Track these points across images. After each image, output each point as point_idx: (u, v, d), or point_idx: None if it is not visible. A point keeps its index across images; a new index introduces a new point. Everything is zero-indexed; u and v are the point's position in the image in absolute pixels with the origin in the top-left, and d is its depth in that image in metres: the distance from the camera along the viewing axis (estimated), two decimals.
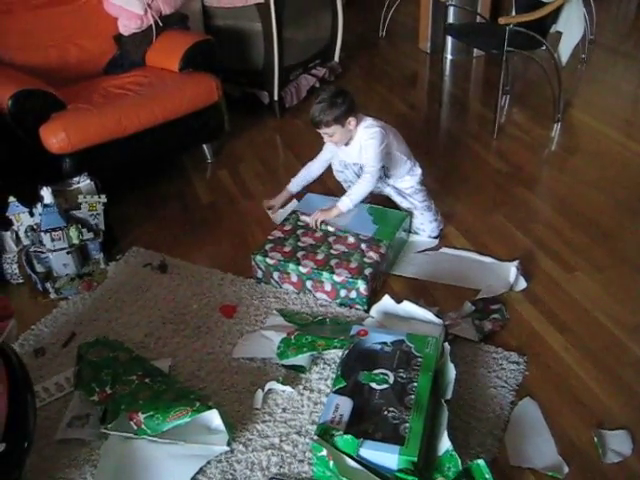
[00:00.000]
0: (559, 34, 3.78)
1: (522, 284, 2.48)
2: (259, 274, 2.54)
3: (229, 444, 1.84)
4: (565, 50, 3.74)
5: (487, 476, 1.64)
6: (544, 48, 3.67)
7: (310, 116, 2.58)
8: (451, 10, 4.56)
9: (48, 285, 2.55)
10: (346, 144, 2.69)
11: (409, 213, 2.78)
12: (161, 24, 3.49)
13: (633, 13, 6.29)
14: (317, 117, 2.55)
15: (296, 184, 2.90)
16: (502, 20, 3.44)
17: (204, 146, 3.55)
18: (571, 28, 3.69)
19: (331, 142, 2.67)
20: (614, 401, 1.98)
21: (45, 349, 2.28)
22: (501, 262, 2.60)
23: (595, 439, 1.85)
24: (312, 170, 2.88)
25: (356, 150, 2.68)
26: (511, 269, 2.50)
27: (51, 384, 2.11)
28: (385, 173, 2.76)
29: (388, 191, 2.86)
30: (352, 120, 2.57)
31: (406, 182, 2.79)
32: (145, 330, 2.34)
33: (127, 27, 3.45)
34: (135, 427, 1.84)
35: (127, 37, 3.48)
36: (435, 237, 2.81)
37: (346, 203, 2.64)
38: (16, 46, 3.19)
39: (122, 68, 3.44)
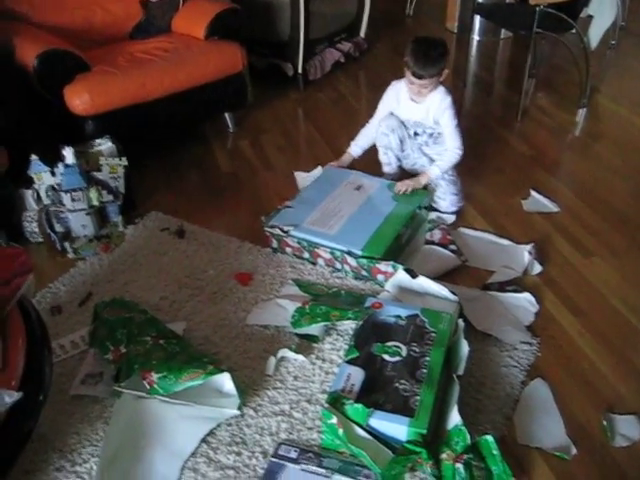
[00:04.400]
0: (590, 18, 3.73)
1: (537, 268, 2.46)
2: (274, 244, 2.55)
3: (240, 408, 1.86)
4: (595, 35, 3.69)
5: (495, 452, 1.65)
6: (574, 31, 3.63)
7: (417, 64, 2.57)
8: None
9: (66, 245, 2.57)
10: (416, 101, 2.72)
11: (432, 189, 2.76)
12: None
13: None
14: (429, 68, 2.57)
15: (358, 147, 2.93)
16: (533, 1, 3.39)
17: (226, 115, 3.55)
18: (603, 12, 3.64)
19: (419, 94, 2.68)
20: (625, 386, 1.98)
21: (62, 307, 2.31)
22: (517, 245, 2.59)
23: (604, 422, 1.85)
24: (368, 132, 2.90)
25: (424, 110, 2.71)
26: (524, 253, 2.49)
27: (66, 341, 2.14)
28: (435, 141, 2.79)
29: (423, 161, 2.86)
30: (444, 74, 2.64)
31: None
32: (161, 293, 2.36)
33: None
34: (148, 386, 1.86)
35: (154, 2, 3.48)
36: (452, 212, 2.80)
37: (435, 171, 2.72)
38: (43, 7, 3.19)
39: (148, 33, 3.44)
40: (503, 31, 4.94)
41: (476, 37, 4.98)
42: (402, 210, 2.59)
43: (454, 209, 2.81)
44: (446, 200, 2.79)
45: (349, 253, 2.36)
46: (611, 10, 3.62)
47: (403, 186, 2.71)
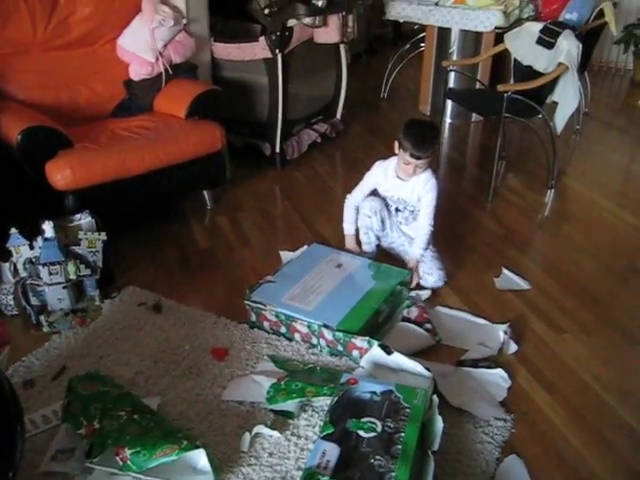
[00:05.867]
0: (555, 104, 3.91)
1: (513, 347, 2.49)
2: (252, 317, 2.56)
3: None
4: (560, 119, 3.86)
5: None
6: (540, 116, 3.80)
7: (416, 145, 2.67)
8: (452, 75, 4.71)
9: (42, 318, 2.56)
10: (403, 179, 2.82)
11: (410, 270, 2.82)
12: (171, 72, 3.61)
13: (625, 90, 6.48)
14: (427, 149, 2.69)
15: (349, 225, 2.99)
16: (501, 87, 3.56)
17: (205, 192, 3.61)
18: (566, 99, 3.82)
19: (413, 174, 2.77)
20: (600, 463, 1.99)
21: (34, 381, 2.28)
22: (492, 324, 2.63)
23: None
24: (352, 208, 2.97)
25: (409, 188, 2.82)
26: (499, 333, 2.53)
27: (38, 416, 2.11)
28: (414, 218, 2.89)
29: (402, 241, 2.96)
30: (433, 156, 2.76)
31: None
32: (136, 368, 2.34)
33: (138, 73, 3.56)
34: (121, 463, 1.83)
35: (137, 82, 3.58)
36: (438, 287, 2.86)
37: (418, 252, 2.82)
38: (30, 85, 3.27)
39: (130, 112, 3.53)
40: (474, 115, 5.14)
41: (448, 120, 5.17)
42: (382, 287, 2.63)
43: (441, 283, 2.87)
44: (433, 275, 2.85)
45: (326, 326, 2.38)
46: (574, 97, 3.79)
47: (416, 280, 2.81)
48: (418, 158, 2.69)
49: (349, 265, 2.79)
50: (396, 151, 2.78)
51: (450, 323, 2.65)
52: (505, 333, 2.51)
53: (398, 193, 2.88)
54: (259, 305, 2.52)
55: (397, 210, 2.92)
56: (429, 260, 2.87)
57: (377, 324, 2.52)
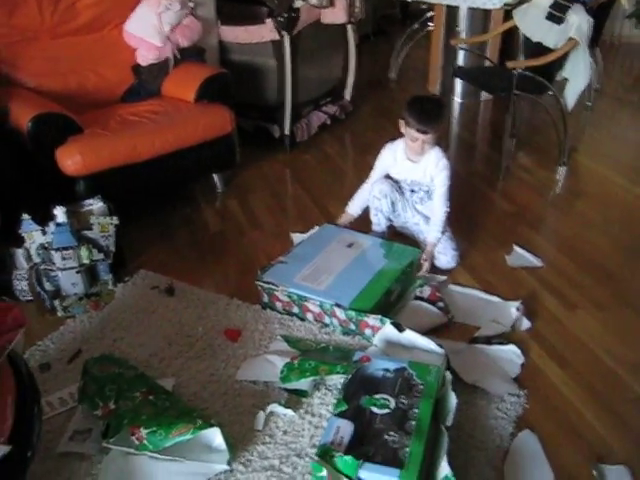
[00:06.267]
0: (566, 80, 3.87)
1: (526, 324, 2.49)
2: (265, 298, 2.57)
3: (229, 463, 1.85)
4: (571, 96, 3.82)
5: None
6: (551, 93, 3.76)
7: (421, 119, 2.67)
8: (461, 54, 4.67)
9: (56, 303, 2.58)
10: (413, 161, 2.80)
11: (422, 248, 2.82)
12: (179, 56, 3.60)
13: (638, 65, 6.41)
14: (433, 123, 2.68)
15: (354, 206, 3.00)
16: (510, 64, 3.53)
17: (215, 176, 3.62)
18: (577, 75, 3.77)
19: (421, 151, 2.76)
20: (613, 436, 1.99)
21: (50, 364, 2.31)
22: (505, 301, 2.62)
23: (594, 473, 1.85)
24: (365, 192, 2.97)
25: (421, 169, 2.82)
26: (512, 310, 2.53)
27: (55, 398, 2.13)
28: (430, 197, 2.88)
29: (416, 219, 2.95)
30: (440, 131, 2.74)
31: None
32: (150, 350, 2.36)
33: (145, 58, 3.55)
34: (137, 442, 1.86)
35: (145, 67, 3.57)
36: (451, 268, 2.85)
37: (435, 236, 2.81)
38: (39, 72, 3.28)
39: (139, 97, 3.53)
40: (483, 93, 5.10)
41: (458, 99, 5.14)
42: (393, 266, 2.63)
43: (454, 264, 2.86)
44: (447, 255, 2.85)
45: (338, 305, 2.39)
46: (585, 73, 3.75)
47: (428, 266, 2.78)
48: (424, 133, 2.68)
49: (360, 245, 2.79)
50: (402, 130, 2.77)
51: (462, 301, 2.65)
52: (517, 310, 2.51)
53: (410, 175, 2.87)
54: (271, 286, 2.53)
55: (412, 191, 2.91)
56: (444, 240, 2.86)
57: (389, 303, 2.53)
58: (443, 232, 2.82)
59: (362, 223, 3.00)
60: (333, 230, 2.93)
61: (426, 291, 2.61)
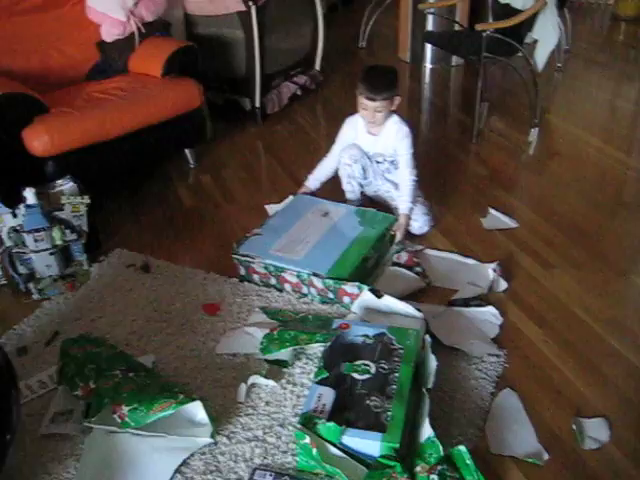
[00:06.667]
0: (535, 42, 3.87)
1: (503, 285, 2.51)
2: (242, 271, 2.56)
3: (213, 436, 1.85)
4: (541, 57, 3.82)
5: (468, 462, 1.66)
6: (520, 55, 3.76)
7: (370, 87, 2.66)
8: (430, 19, 4.64)
9: (31, 286, 2.55)
10: (373, 134, 2.79)
11: (396, 219, 2.79)
12: (144, 31, 3.53)
13: (607, 25, 6.42)
14: (381, 91, 2.65)
15: (313, 180, 2.98)
16: (479, 26, 3.51)
17: (187, 151, 3.58)
18: (546, 36, 3.78)
19: (373, 120, 2.74)
20: (591, 391, 2.02)
21: (28, 348, 2.28)
22: (481, 263, 2.64)
23: (574, 427, 1.88)
24: (326, 166, 2.96)
25: (382, 141, 2.80)
26: (489, 271, 2.54)
27: (34, 381, 2.11)
28: (396, 166, 2.86)
29: (387, 187, 2.93)
30: (396, 100, 2.71)
31: None
32: (128, 329, 2.34)
33: (110, 34, 3.48)
34: (119, 420, 1.85)
35: (110, 44, 3.50)
36: (425, 232, 2.85)
37: (406, 205, 2.78)
38: None
39: (105, 74, 3.46)
40: (454, 59, 5.09)
41: (428, 65, 5.13)
42: (369, 233, 2.62)
43: (427, 229, 2.86)
44: (418, 221, 2.84)
45: (315, 274, 2.38)
46: (554, 33, 3.75)
47: (402, 236, 2.75)
48: (373, 100, 2.67)
49: (335, 213, 2.77)
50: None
51: (439, 265, 2.66)
52: (494, 271, 2.52)
53: (372, 148, 2.86)
54: (247, 258, 2.51)
55: (377, 162, 2.89)
56: (415, 206, 2.85)
57: (366, 270, 2.52)
58: (414, 201, 2.80)
59: (336, 194, 2.98)
60: (307, 200, 2.91)
61: (403, 256, 2.61)
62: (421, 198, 2.89)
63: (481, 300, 2.41)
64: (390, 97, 2.69)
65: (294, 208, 2.85)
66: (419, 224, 2.84)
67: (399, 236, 2.74)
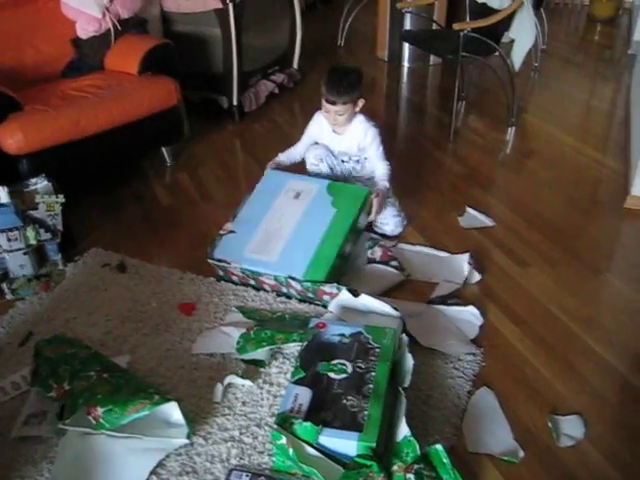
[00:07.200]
0: (512, 42, 3.89)
1: (476, 276, 2.54)
2: (220, 272, 2.54)
3: (189, 437, 1.84)
4: (517, 56, 3.85)
5: (445, 460, 1.67)
6: (497, 54, 3.77)
7: (331, 90, 2.61)
8: (408, 18, 4.63)
9: (4, 286, 2.51)
10: (338, 133, 2.78)
11: (370, 192, 2.69)
12: (120, 28, 3.49)
13: (582, 26, 6.48)
14: (342, 95, 2.60)
15: (284, 157, 2.92)
16: (456, 26, 3.52)
17: (163, 149, 3.55)
18: (523, 35, 3.80)
19: (335, 122, 2.72)
20: (567, 388, 2.04)
21: (1, 349, 2.24)
22: (455, 255, 2.66)
23: (549, 424, 1.90)
24: (295, 152, 2.93)
25: (348, 141, 2.78)
26: (464, 265, 2.56)
27: (7, 383, 2.08)
28: (362, 166, 2.85)
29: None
30: (360, 103, 2.69)
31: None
32: (103, 329, 2.32)
33: (85, 30, 3.44)
34: (93, 421, 1.83)
35: (85, 41, 3.46)
36: (397, 234, 2.84)
37: (384, 185, 2.74)
38: None
39: (80, 71, 3.42)
40: (432, 58, 5.10)
41: (406, 64, 5.13)
42: (342, 221, 2.53)
43: (400, 230, 2.86)
44: (390, 224, 2.83)
45: (292, 278, 2.37)
46: (530, 32, 3.78)
47: (376, 215, 2.71)
48: (333, 104, 2.64)
49: (308, 193, 2.66)
50: None
51: (415, 258, 2.68)
52: (469, 264, 2.54)
53: (337, 146, 2.84)
54: (223, 264, 2.49)
55: (343, 161, 2.88)
56: (384, 209, 2.81)
57: (342, 265, 2.51)
58: (390, 182, 2.76)
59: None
60: (278, 178, 2.79)
61: (377, 252, 2.62)
62: (392, 199, 2.86)
63: (459, 298, 2.42)
64: (352, 100, 2.65)
65: (266, 191, 2.72)
66: (391, 227, 2.83)
67: (375, 205, 2.66)
